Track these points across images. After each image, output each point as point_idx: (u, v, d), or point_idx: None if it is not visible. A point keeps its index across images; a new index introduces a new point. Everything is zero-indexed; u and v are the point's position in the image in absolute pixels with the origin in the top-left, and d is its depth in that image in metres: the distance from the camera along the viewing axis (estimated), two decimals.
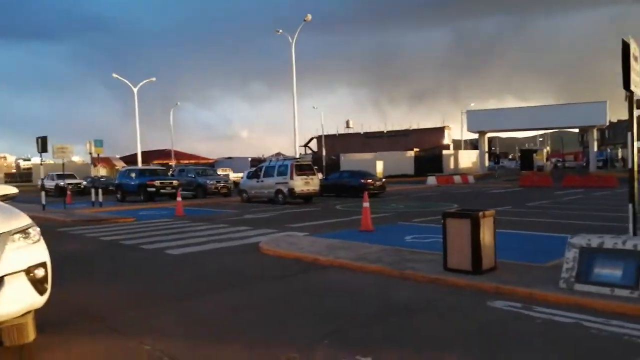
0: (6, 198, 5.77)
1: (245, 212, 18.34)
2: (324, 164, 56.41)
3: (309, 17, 29.43)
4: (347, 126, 76.43)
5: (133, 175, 26.39)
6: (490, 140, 69.67)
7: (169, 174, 30.28)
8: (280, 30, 30.87)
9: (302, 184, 21.81)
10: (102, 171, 50.11)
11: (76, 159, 64.81)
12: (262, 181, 23.12)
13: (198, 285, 7.12)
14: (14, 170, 55.27)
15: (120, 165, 55.18)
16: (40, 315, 5.02)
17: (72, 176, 34.66)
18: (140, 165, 35.90)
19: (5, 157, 60.00)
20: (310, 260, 8.59)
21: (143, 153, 64.07)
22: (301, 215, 16.76)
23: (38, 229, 4.72)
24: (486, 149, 60.97)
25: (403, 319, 5.38)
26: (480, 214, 6.93)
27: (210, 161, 64.75)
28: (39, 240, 4.55)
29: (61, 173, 35.94)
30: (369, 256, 8.42)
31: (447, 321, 5.25)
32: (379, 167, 37.77)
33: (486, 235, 7.01)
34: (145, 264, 9.10)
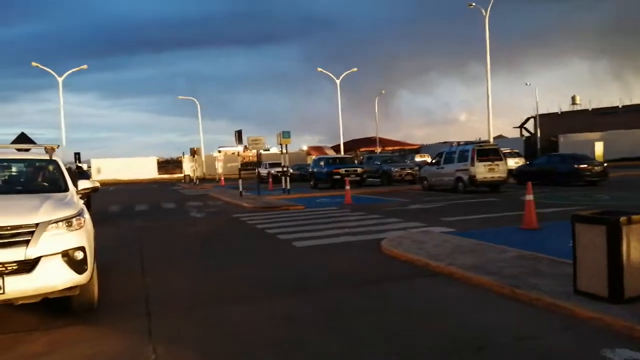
0: (86, 191, 6.35)
1: (414, 202, 17.35)
2: (538, 146, 50.67)
3: None
4: (573, 102, 67.04)
5: (322, 164, 27.65)
6: None
7: (357, 162, 30.83)
8: (473, 4, 28.55)
9: (485, 171, 19.65)
10: (310, 160, 53.96)
11: (305, 147, 73.82)
12: (442, 168, 21.64)
13: (282, 286, 6.76)
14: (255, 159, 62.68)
15: (330, 153, 58.73)
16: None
17: (279, 165, 38.08)
18: (338, 154, 37.37)
19: (246, 147, 68.40)
20: (422, 265, 7.45)
21: (352, 141, 67.33)
22: (470, 207, 15.06)
23: (83, 218, 5.17)
24: None
25: None
26: (623, 219, 4.93)
27: (415, 147, 64.12)
28: (80, 228, 5.09)
29: (273, 162, 39.97)
30: (491, 265, 6.88)
31: None
32: (598, 148, 31.92)
33: (634, 249, 4.97)
34: (259, 255, 9.17)
